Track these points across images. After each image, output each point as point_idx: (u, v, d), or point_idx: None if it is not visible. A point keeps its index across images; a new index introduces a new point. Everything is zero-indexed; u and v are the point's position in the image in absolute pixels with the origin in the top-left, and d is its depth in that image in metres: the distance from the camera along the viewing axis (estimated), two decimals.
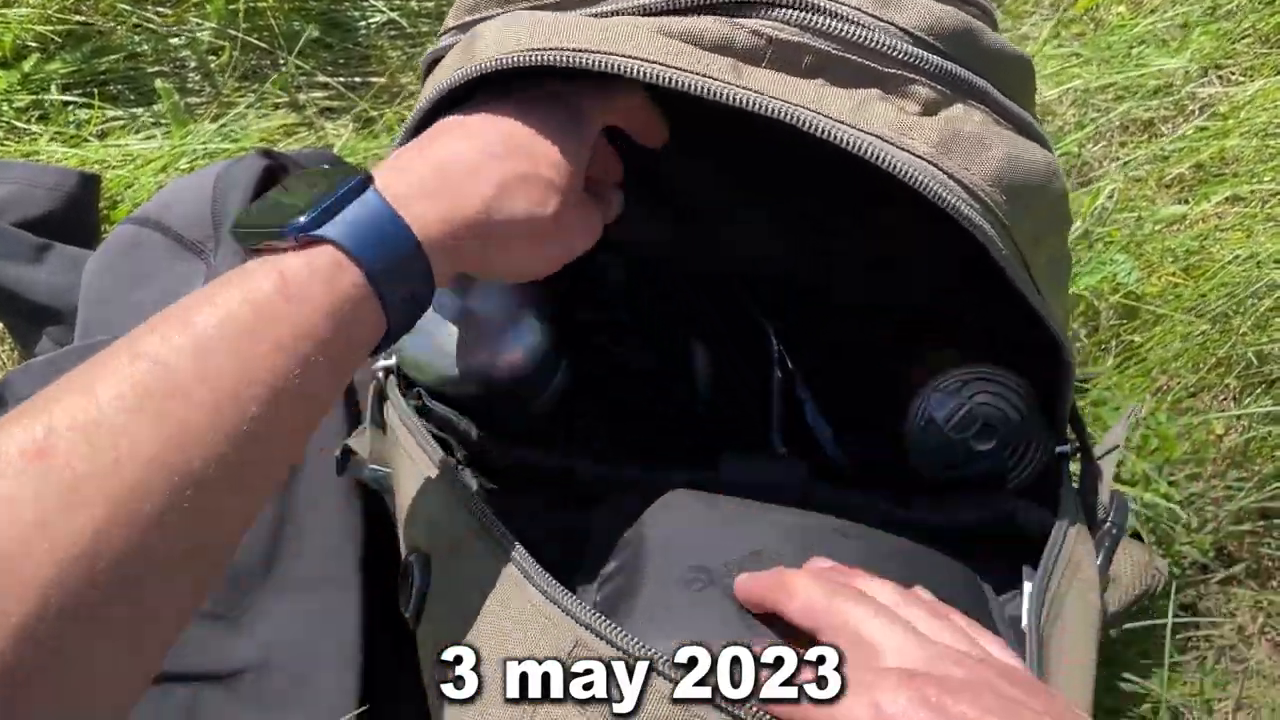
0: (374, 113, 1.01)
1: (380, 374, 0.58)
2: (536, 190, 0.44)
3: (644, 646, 0.40)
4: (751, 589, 0.46)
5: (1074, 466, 0.61)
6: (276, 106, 1.00)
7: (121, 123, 0.97)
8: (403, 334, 0.42)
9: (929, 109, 0.48)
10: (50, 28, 0.95)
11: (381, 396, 0.59)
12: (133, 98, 0.99)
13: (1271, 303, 0.90)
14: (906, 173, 0.45)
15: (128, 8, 0.99)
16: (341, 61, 1.03)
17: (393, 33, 1.05)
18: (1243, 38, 1.12)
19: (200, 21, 1.00)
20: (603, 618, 0.42)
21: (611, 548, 0.51)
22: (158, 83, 0.95)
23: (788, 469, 0.58)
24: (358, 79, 1.02)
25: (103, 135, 0.96)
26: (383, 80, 1.02)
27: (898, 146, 0.45)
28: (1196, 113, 1.08)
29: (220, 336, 0.35)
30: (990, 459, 0.58)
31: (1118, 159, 1.05)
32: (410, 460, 0.53)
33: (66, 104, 0.95)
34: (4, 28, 0.95)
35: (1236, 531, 0.89)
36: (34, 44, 0.95)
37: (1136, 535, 0.83)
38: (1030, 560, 0.53)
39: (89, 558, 0.31)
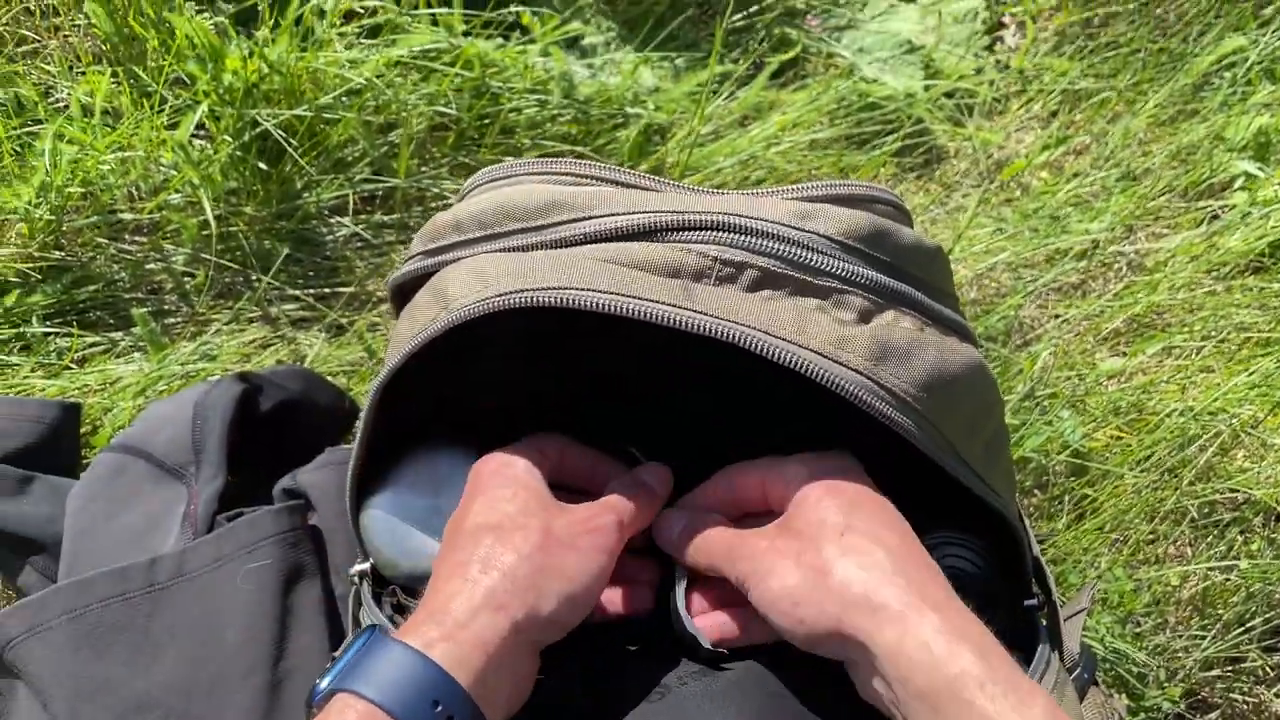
0: (344, 320, 1.05)
1: (355, 578, 0.60)
2: None
3: None
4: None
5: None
6: (250, 321, 1.04)
7: (102, 348, 1.01)
8: None
9: (864, 317, 0.53)
10: (31, 265, 1.00)
11: (359, 602, 0.61)
12: (112, 322, 1.03)
13: (1211, 453, 0.94)
14: (844, 388, 0.49)
15: (104, 240, 1.04)
16: (311, 274, 1.07)
17: (358, 244, 1.10)
18: (1161, 194, 1.19)
19: (174, 248, 1.05)
20: None
21: None
22: (134, 310, 1.00)
23: None
24: (327, 290, 1.07)
25: (82, 361, 1.00)
26: (351, 290, 1.07)
27: (835, 361, 0.50)
28: (1125, 269, 1.14)
29: None
30: None
31: (1056, 316, 1.10)
32: None
33: (47, 334, 0.99)
34: None
35: (1207, 679, 0.90)
36: (15, 280, 1.00)
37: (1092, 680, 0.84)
38: None
39: None
